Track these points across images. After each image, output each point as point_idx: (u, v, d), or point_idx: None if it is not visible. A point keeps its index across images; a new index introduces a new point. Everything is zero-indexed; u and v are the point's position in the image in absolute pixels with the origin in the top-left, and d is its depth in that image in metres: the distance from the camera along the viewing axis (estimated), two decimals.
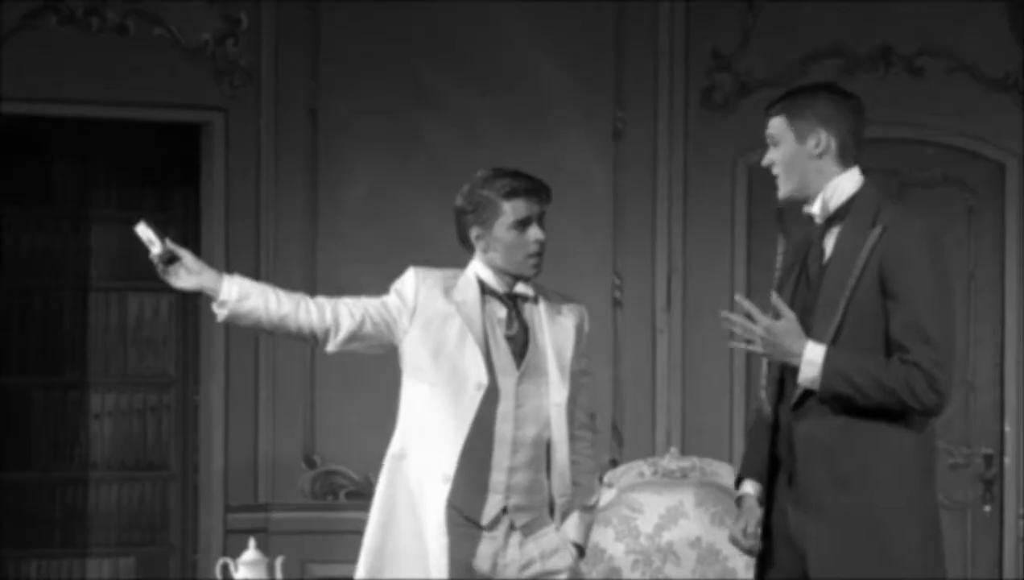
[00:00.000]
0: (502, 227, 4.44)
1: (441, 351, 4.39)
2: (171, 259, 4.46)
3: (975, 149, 7.25)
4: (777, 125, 4.22)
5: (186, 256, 4.43)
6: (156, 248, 4.45)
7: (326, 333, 4.45)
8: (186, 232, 7.78)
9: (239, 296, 4.46)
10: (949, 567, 6.73)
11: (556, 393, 4.45)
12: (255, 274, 7.17)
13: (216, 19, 7.00)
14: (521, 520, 4.44)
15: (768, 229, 7.35)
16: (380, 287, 7.25)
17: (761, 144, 7.85)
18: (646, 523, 6.16)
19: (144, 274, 8.13)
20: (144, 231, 4.49)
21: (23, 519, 7.83)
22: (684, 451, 6.68)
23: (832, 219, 4.16)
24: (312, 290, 7.06)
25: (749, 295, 7.50)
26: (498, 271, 4.47)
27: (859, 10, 7.14)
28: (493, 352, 4.43)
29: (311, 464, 6.87)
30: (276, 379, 6.92)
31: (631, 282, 7.22)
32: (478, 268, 4.48)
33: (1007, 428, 7.21)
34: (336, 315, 4.52)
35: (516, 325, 4.51)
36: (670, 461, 6.41)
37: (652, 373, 7.08)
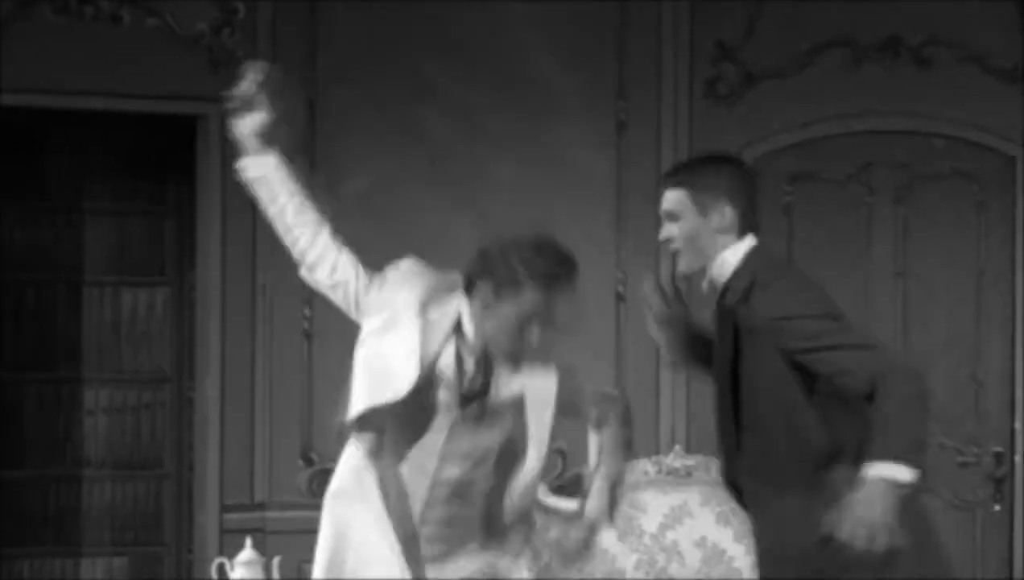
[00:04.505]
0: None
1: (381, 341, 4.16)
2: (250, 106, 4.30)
3: (984, 142, 7.27)
4: (678, 199, 4.21)
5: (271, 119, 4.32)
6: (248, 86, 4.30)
7: (305, 259, 4.38)
8: (181, 224, 7.85)
9: (272, 180, 4.35)
10: (959, 567, 6.75)
11: (529, 462, 4.18)
12: (251, 267, 7.22)
13: (212, 9, 7.00)
14: (434, 550, 4.19)
15: (774, 223, 7.35)
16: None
17: (767, 135, 7.87)
18: (650, 522, 6.22)
19: (138, 269, 8.25)
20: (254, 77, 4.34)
21: (15, 517, 7.86)
22: (689, 449, 6.72)
23: (725, 292, 4.22)
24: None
25: None
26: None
27: None
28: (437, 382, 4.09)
29: (309, 462, 6.89)
30: (273, 375, 6.94)
31: (635, 277, 7.17)
32: (465, 313, 4.11)
33: (1017, 426, 7.21)
34: (325, 255, 4.41)
35: (479, 380, 4.14)
36: (674, 459, 6.44)
37: (656, 369, 7.07)
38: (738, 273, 4.20)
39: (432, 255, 7.62)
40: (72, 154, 7.75)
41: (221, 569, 5.80)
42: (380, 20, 7.18)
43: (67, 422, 7.97)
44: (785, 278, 4.22)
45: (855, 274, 7.39)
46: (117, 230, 8.03)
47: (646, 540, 6.25)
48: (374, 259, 6.61)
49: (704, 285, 4.26)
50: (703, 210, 4.19)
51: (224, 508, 7.12)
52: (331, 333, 6.96)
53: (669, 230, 4.23)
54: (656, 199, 7.39)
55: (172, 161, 7.51)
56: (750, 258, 4.19)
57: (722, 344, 4.20)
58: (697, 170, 4.28)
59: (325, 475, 7.05)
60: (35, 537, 7.86)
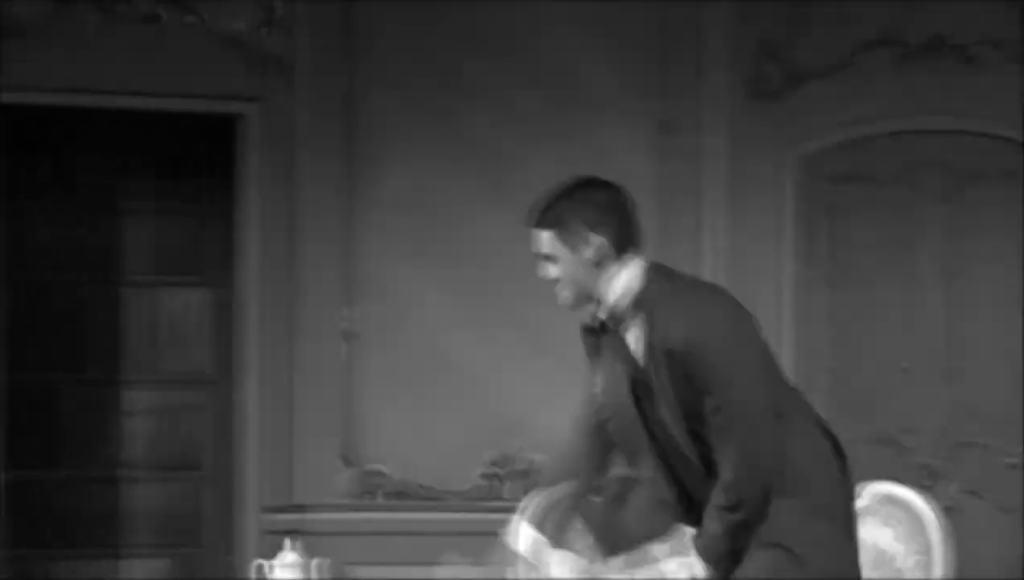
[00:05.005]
0: None
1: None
2: None
3: None
4: (547, 241, 4.20)
5: None
6: None
7: None
8: (220, 225, 7.87)
9: None
10: (1008, 571, 6.66)
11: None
12: (290, 267, 7.25)
13: (250, 7, 7.04)
14: None
15: (819, 223, 7.35)
16: (419, 282, 7.28)
17: (810, 135, 7.85)
18: None
19: (178, 269, 8.27)
20: None
21: (54, 518, 7.85)
22: None
23: (621, 320, 4.17)
24: (349, 284, 7.10)
25: (797, 291, 7.60)
26: None
27: None
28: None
29: (348, 463, 6.92)
30: (312, 376, 7.01)
31: None
32: None
33: None
34: None
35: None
36: None
37: None
38: (637, 300, 4.18)
39: (470, 254, 7.66)
40: (110, 154, 7.76)
41: (260, 570, 5.85)
42: (419, 18, 7.21)
43: (105, 423, 7.99)
44: (685, 296, 4.17)
45: (900, 275, 7.41)
46: (156, 231, 8.02)
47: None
48: (414, 257, 6.64)
49: (604, 319, 4.24)
50: (573, 247, 4.17)
51: (263, 509, 7.14)
52: (370, 333, 7.04)
53: (547, 270, 4.19)
54: (698, 199, 7.48)
55: (211, 161, 7.58)
56: (646, 282, 4.20)
57: (657, 377, 4.18)
58: (555, 207, 4.24)
59: (366, 476, 7.15)
60: (74, 538, 7.87)
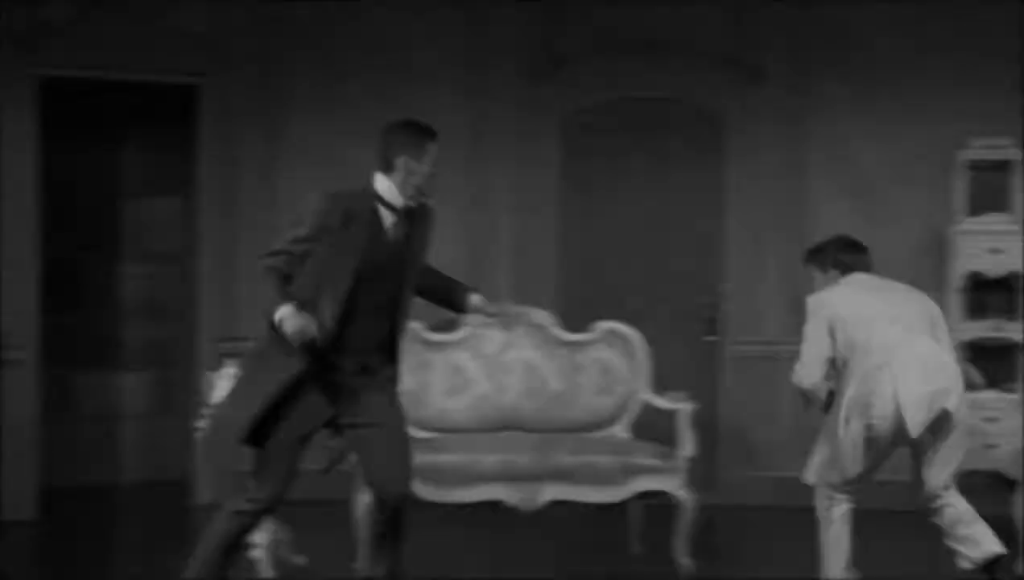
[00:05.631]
0: None
1: None
2: None
3: None
4: None
5: None
6: None
7: None
8: (183, 158, 8.52)
9: None
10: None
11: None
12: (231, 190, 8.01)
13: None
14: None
15: (578, 161, 8.24)
16: None
17: (571, 101, 8.32)
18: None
19: (159, 188, 8.90)
20: None
21: (77, 344, 8.83)
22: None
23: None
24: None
25: (561, 204, 8.53)
26: None
27: None
28: None
29: None
30: (251, 251, 7.46)
31: None
32: None
33: None
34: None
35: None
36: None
37: None
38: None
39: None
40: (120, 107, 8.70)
41: (208, 379, 6.27)
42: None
43: (110, 283, 9.01)
44: None
45: (619, 191, 8.30)
46: (143, 164, 8.90)
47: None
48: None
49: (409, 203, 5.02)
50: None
51: (213, 339, 8.12)
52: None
53: None
54: (492, 144, 8.44)
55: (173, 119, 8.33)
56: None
57: (420, 244, 5.08)
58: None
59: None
60: (88, 358, 8.94)
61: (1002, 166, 8.27)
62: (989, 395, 8.05)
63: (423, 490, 6.63)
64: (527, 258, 8.66)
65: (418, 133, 5.00)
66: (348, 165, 7.55)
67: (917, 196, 8.51)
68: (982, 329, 8.33)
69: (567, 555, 7.34)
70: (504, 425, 7.18)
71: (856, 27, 8.48)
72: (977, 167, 8.27)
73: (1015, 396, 8.10)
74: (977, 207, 8.27)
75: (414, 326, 7.01)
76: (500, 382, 7.22)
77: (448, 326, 7.11)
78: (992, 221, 8.27)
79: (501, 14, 8.46)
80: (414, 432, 6.87)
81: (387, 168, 4.98)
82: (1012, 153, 8.21)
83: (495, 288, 8.32)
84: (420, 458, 6.38)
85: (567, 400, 7.12)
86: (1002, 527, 6.10)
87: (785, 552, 7.27)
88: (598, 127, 8.60)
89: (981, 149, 8.24)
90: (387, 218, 5.02)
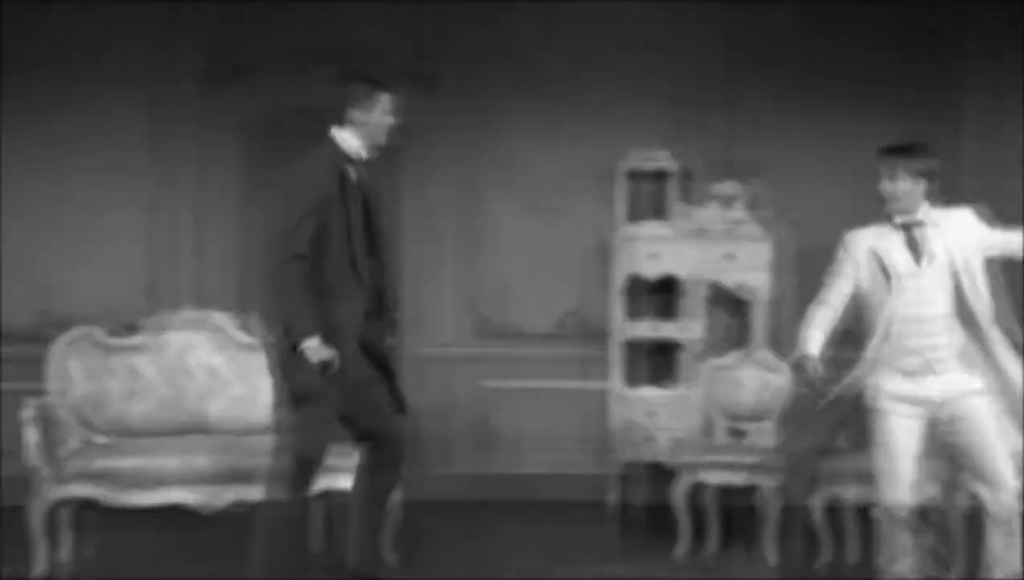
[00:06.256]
0: None
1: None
2: None
3: None
4: None
5: None
6: None
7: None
8: None
9: None
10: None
11: None
12: None
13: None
14: None
15: (253, 152, 8.44)
16: None
17: (250, 106, 8.53)
18: None
19: None
20: None
21: None
22: None
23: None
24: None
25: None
26: None
27: None
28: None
29: None
30: None
31: None
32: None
33: None
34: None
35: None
36: None
37: None
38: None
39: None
40: None
41: None
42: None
43: None
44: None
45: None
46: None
47: None
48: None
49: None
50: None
51: None
52: None
53: None
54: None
55: None
56: None
57: (378, 198, 5.21)
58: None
59: None
60: None
61: (660, 176, 8.64)
62: (651, 391, 8.39)
63: (105, 495, 6.59)
64: (208, 260, 8.71)
65: (366, 84, 5.11)
66: None
67: (584, 204, 8.81)
68: (642, 329, 8.62)
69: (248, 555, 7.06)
70: (187, 429, 7.10)
71: (534, 45, 8.78)
72: (636, 177, 8.61)
73: (675, 392, 8.42)
74: (637, 214, 8.61)
75: (91, 331, 6.99)
76: (181, 386, 7.12)
77: (126, 330, 7.05)
78: (650, 228, 8.61)
79: (183, 17, 8.54)
80: (96, 438, 6.89)
81: (341, 122, 5.14)
82: (668, 164, 8.56)
83: (177, 290, 8.37)
84: (100, 463, 6.41)
85: (249, 402, 7.10)
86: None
87: (466, 548, 7.33)
88: (277, 134, 8.59)
89: (639, 160, 8.59)
90: (351, 173, 5.15)
